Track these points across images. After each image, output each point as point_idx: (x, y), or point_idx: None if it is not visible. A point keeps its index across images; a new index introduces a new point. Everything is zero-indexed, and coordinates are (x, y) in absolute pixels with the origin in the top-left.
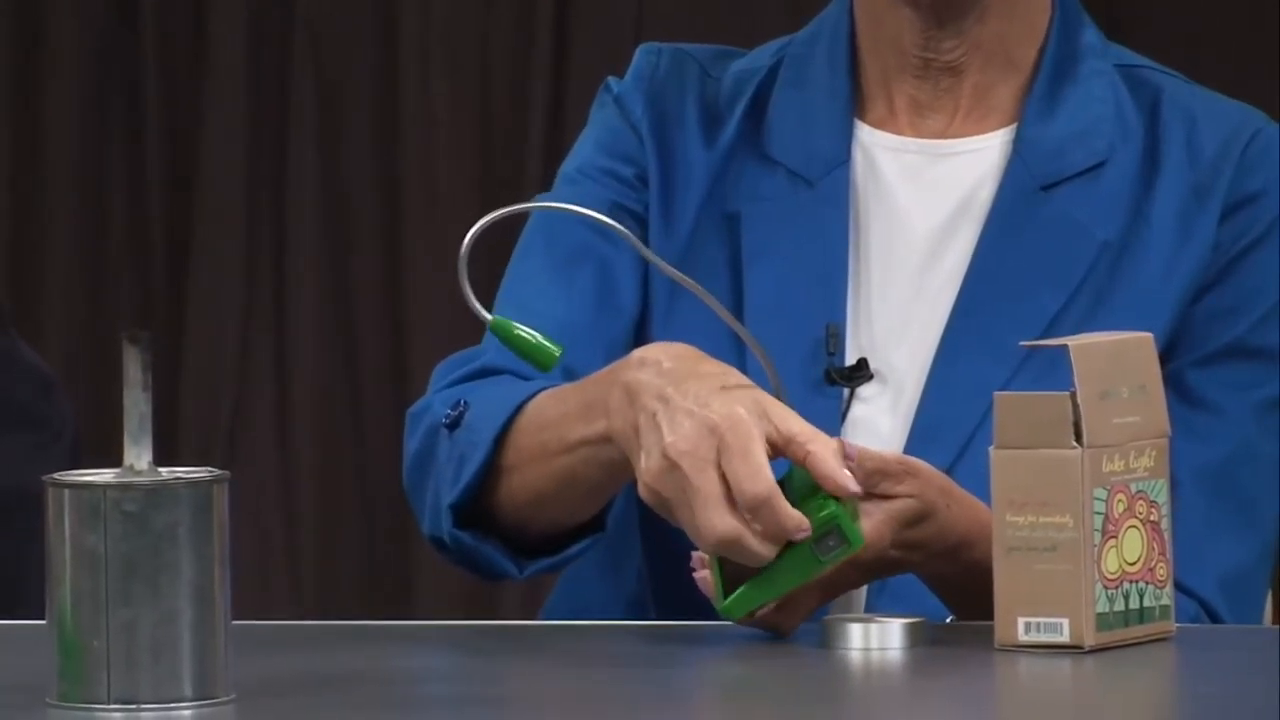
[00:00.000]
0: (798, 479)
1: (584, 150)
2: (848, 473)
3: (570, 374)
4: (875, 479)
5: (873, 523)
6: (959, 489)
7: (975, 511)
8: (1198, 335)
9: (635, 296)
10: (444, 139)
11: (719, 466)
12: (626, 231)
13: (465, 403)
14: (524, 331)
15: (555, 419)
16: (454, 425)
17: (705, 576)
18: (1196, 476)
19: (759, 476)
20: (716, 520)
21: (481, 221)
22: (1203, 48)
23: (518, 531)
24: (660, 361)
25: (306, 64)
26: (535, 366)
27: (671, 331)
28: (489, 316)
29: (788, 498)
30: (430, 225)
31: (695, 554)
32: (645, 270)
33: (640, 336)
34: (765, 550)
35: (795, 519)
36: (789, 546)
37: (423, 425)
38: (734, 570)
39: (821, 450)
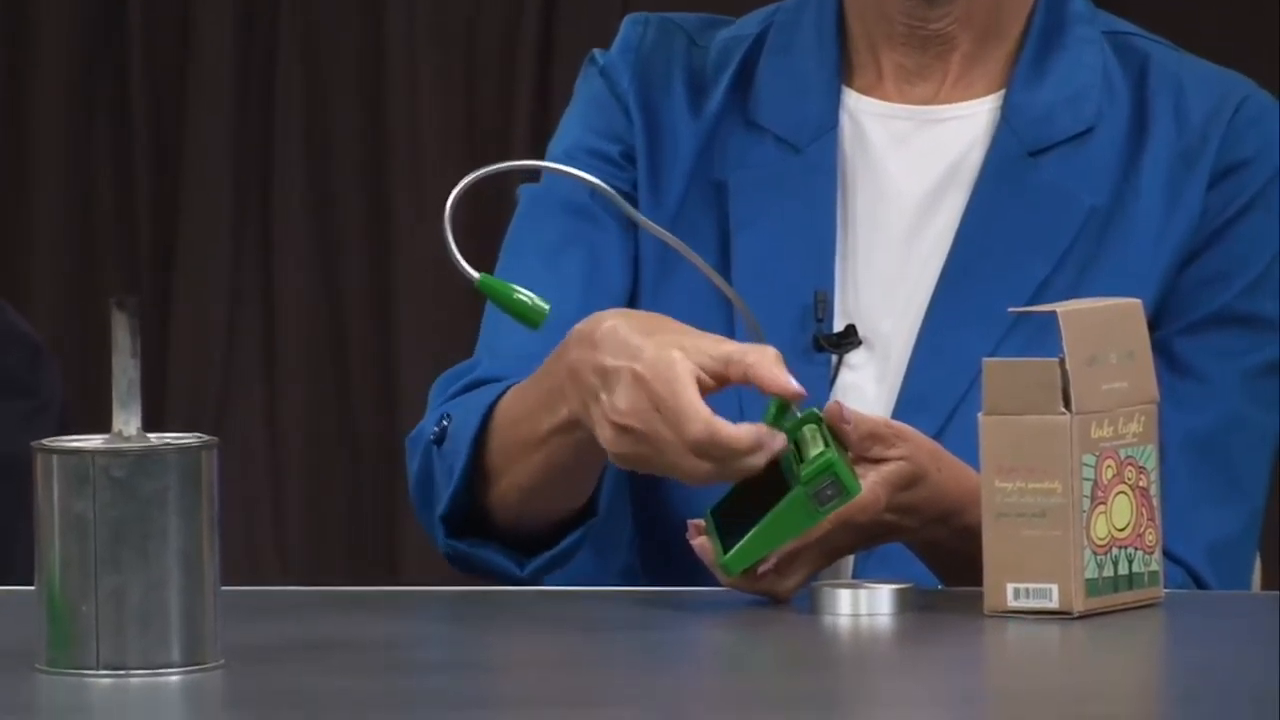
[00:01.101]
0: (793, 436)
1: (570, 131)
2: (789, 377)
3: None
4: (868, 443)
5: (867, 484)
6: (948, 454)
7: (965, 476)
8: (1185, 302)
9: (624, 278)
10: (430, 114)
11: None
12: (615, 194)
13: (449, 415)
14: (513, 290)
15: (523, 414)
16: (440, 440)
17: (703, 543)
18: (1184, 444)
19: (692, 418)
20: (691, 465)
21: (467, 179)
22: (1199, 22)
23: (515, 531)
24: (592, 334)
25: (293, 44)
26: (525, 325)
27: (660, 307)
28: (476, 275)
29: (786, 459)
30: (417, 195)
31: (691, 522)
32: (634, 250)
33: None
34: (753, 461)
35: (748, 438)
36: (786, 495)
37: (419, 447)
38: (732, 526)
39: (759, 358)
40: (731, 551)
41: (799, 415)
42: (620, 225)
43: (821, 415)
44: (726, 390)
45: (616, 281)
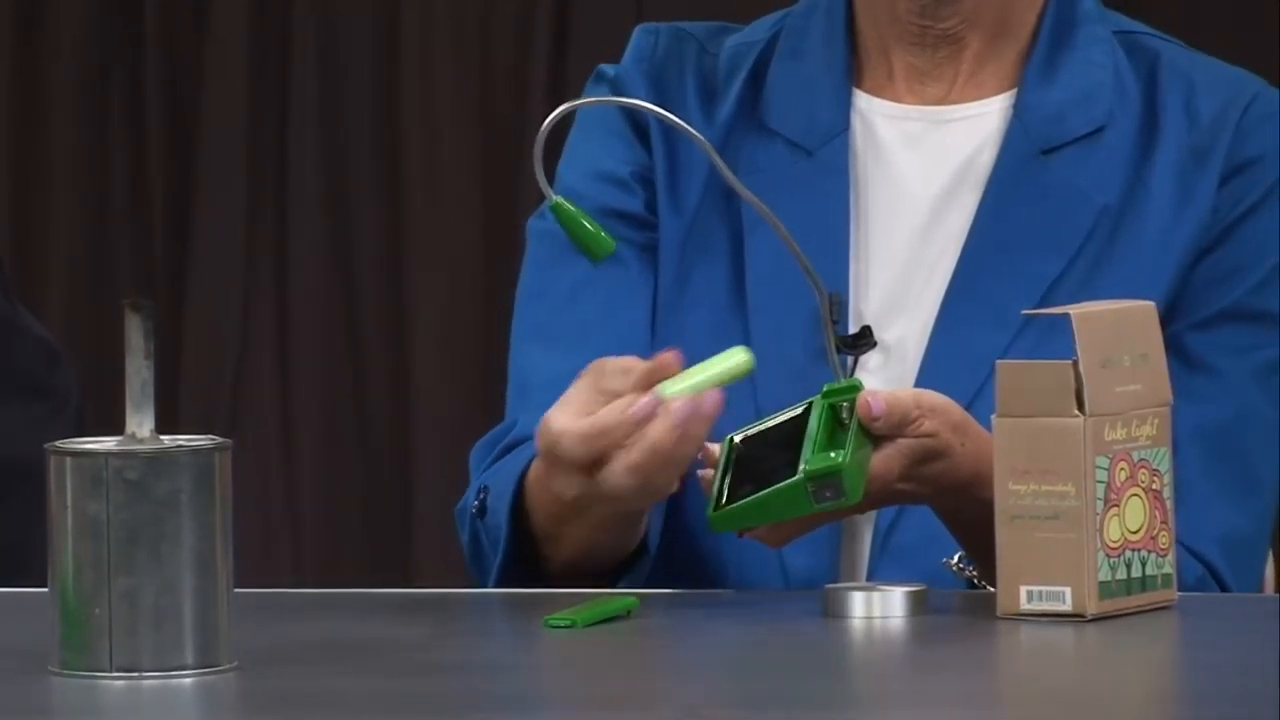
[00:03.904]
0: (823, 424)
1: (581, 154)
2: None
3: None
4: (899, 428)
5: (882, 455)
6: (974, 424)
7: (988, 448)
8: (1197, 299)
9: (644, 308)
10: (444, 104)
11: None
12: (697, 134)
13: (486, 488)
14: (583, 219)
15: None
16: (482, 513)
17: (708, 477)
18: (1197, 438)
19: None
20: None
21: (555, 114)
22: (1204, 23)
23: (570, 576)
24: None
25: (307, 32)
26: (588, 257)
27: (677, 324)
28: (555, 198)
29: (808, 442)
30: (431, 190)
31: (707, 444)
32: (652, 275)
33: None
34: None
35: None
36: (786, 480)
37: (466, 519)
38: (743, 468)
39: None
40: (720, 512)
41: (842, 381)
42: (636, 252)
43: (861, 388)
44: (742, 391)
45: (638, 314)
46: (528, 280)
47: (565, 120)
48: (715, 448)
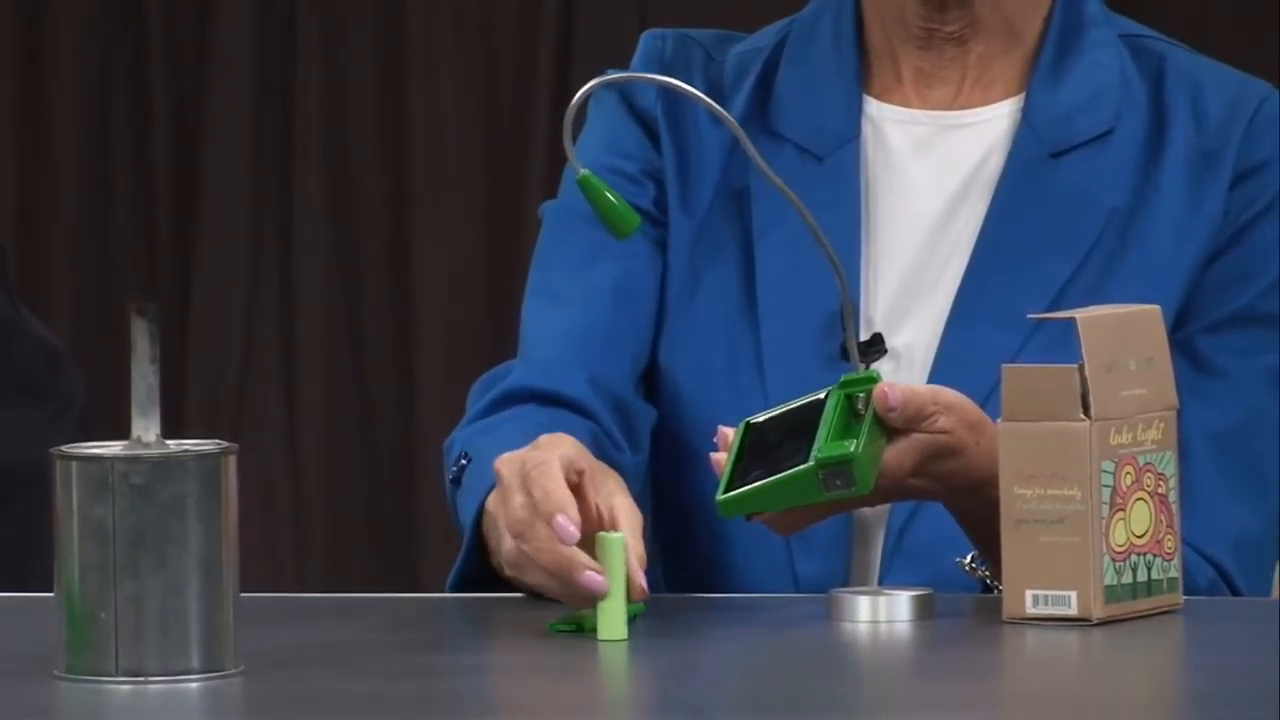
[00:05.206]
0: (838, 414)
1: (587, 152)
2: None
3: (596, 380)
4: (914, 422)
5: (896, 449)
6: (990, 424)
7: None
8: (1208, 302)
9: (652, 290)
10: (450, 106)
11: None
12: (722, 111)
13: (467, 456)
14: (610, 194)
15: None
16: (457, 481)
17: (720, 460)
18: (1208, 441)
19: (551, 496)
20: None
21: (589, 85)
22: (1202, 24)
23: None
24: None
25: (311, 32)
26: (613, 231)
27: (688, 322)
28: (583, 170)
29: (821, 430)
30: (435, 191)
31: (721, 429)
32: (661, 264)
33: (659, 325)
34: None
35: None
36: (797, 467)
37: (451, 461)
38: (757, 452)
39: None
40: (729, 495)
41: (860, 373)
42: (647, 239)
43: (879, 379)
44: (751, 397)
45: (645, 293)
46: (543, 246)
47: (572, 92)
48: (729, 431)
